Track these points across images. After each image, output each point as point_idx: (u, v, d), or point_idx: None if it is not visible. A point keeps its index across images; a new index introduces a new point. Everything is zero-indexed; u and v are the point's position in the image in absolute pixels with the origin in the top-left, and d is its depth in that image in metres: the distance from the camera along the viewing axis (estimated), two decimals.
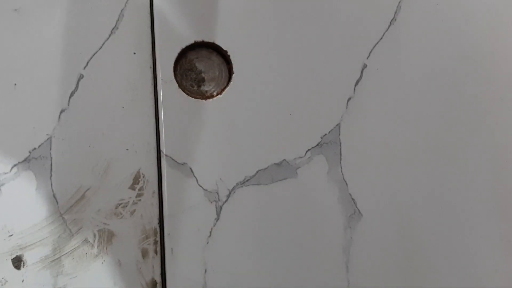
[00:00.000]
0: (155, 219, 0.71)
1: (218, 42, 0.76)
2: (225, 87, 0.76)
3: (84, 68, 0.71)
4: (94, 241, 0.68)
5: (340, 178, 0.76)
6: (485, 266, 0.80)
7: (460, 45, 0.83)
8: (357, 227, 0.76)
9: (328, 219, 0.75)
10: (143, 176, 0.71)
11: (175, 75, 0.74)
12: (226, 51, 0.76)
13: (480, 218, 0.80)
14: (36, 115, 0.69)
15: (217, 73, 0.77)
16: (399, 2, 0.82)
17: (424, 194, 0.79)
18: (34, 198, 0.67)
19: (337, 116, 0.78)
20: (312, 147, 0.76)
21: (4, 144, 0.67)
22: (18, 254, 0.66)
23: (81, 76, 0.71)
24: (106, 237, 0.69)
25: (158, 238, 0.70)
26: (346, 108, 0.78)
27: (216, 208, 0.72)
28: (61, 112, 0.69)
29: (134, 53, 0.73)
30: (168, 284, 0.69)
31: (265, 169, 0.74)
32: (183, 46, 0.75)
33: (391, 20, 0.81)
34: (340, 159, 0.77)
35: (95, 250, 0.68)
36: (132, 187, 0.70)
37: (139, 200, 0.70)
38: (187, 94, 0.74)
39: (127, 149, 0.71)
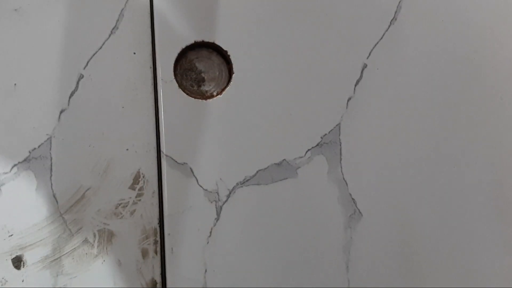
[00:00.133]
0: (155, 219, 0.71)
1: (218, 42, 0.76)
2: (225, 87, 0.76)
3: (84, 68, 0.71)
4: (94, 241, 0.68)
5: (340, 178, 0.76)
6: (485, 266, 0.80)
7: (460, 44, 0.83)
8: (357, 227, 0.76)
9: (328, 219, 0.75)
10: (143, 176, 0.71)
11: (175, 75, 0.74)
12: (226, 51, 0.76)
13: (480, 218, 0.80)
14: (36, 115, 0.69)
15: (217, 73, 0.77)
16: (399, 2, 0.82)
17: (424, 194, 0.79)
18: (34, 198, 0.67)
19: (337, 116, 0.78)
20: (312, 147, 0.76)
21: (4, 144, 0.67)
22: (18, 254, 0.66)
23: (81, 76, 0.71)
24: (106, 237, 0.69)
25: (158, 238, 0.70)
26: (346, 108, 0.78)
27: (216, 208, 0.72)
28: (61, 112, 0.69)
29: (134, 53, 0.73)
30: (168, 284, 0.69)
31: (265, 169, 0.74)
32: (183, 46, 0.75)
33: (391, 20, 0.81)
34: (340, 159, 0.77)
35: (95, 250, 0.68)
36: (132, 187, 0.70)
37: (139, 200, 0.70)
38: (187, 94, 0.74)
39: (127, 149, 0.71)
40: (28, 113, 0.68)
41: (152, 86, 0.73)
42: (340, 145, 0.77)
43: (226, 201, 0.73)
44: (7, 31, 0.69)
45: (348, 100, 0.78)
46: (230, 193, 0.73)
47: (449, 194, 0.80)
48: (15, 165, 0.67)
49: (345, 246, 0.75)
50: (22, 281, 0.66)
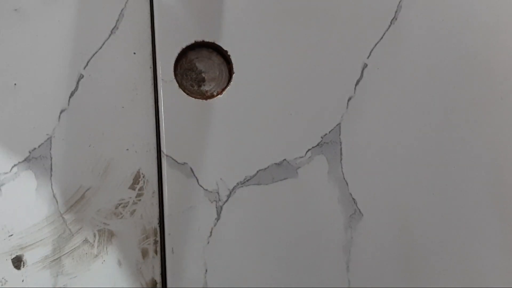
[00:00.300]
0: (155, 219, 0.71)
1: (219, 42, 0.76)
2: (225, 87, 0.76)
3: (84, 68, 0.71)
4: (94, 241, 0.68)
5: (341, 177, 0.76)
6: (486, 266, 0.79)
7: (460, 44, 0.83)
8: (358, 226, 0.76)
9: (328, 219, 0.75)
10: (143, 176, 0.71)
11: (175, 75, 0.74)
12: (226, 51, 0.76)
13: (481, 218, 0.80)
14: (36, 115, 0.69)
15: (218, 73, 0.77)
16: (399, 2, 0.82)
17: (425, 193, 0.79)
18: (34, 198, 0.67)
19: (338, 115, 0.78)
20: (313, 147, 0.76)
21: (4, 144, 0.67)
22: (18, 254, 0.66)
23: (81, 76, 0.71)
24: (106, 237, 0.68)
25: (158, 238, 0.70)
26: (347, 107, 0.78)
27: (216, 208, 0.72)
28: (61, 112, 0.69)
29: (134, 53, 0.73)
30: (168, 284, 0.69)
31: (265, 169, 0.74)
32: (184, 46, 0.75)
33: (392, 20, 0.81)
34: (341, 159, 0.77)
35: (95, 250, 0.68)
36: (132, 187, 0.70)
37: (139, 200, 0.70)
38: (188, 94, 0.74)
39: (127, 149, 0.71)
40: (28, 113, 0.68)
41: (152, 86, 0.73)
42: (341, 145, 0.77)
43: (226, 201, 0.73)
44: (7, 31, 0.70)
45: (348, 100, 0.78)
46: (230, 193, 0.73)
47: (449, 194, 0.79)
48: (15, 165, 0.67)
49: (346, 246, 0.75)
50: (22, 281, 0.66)
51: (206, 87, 0.76)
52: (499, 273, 0.80)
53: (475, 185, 0.80)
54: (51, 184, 0.68)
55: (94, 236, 0.68)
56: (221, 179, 0.73)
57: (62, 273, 0.67)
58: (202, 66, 0.77)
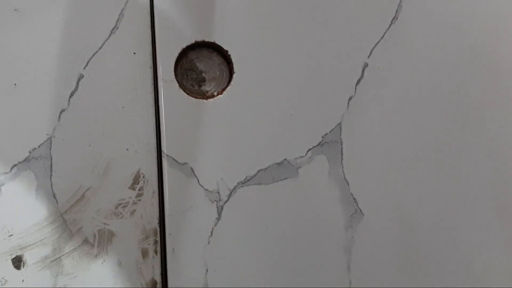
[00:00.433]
0: (155, 219, 0.71)
1: (219, 42, 0.76)
2: (225, 87, 0.76)
3: (84, 68, 0.71)
4: (94, 241, 0.68)
5: (341, 177, 0.76)
6: (487, 265, 0.79)
7: (461, 43, 0.83)
8: (359, 226, 0.76)
9: (329, 218, 0.75)
10: (143, 176, 0.71)
11: (175, 75, 0.74)
12: (226, 51, 0.76)
13: (482, 218, 0.80)
14: (36, 115, 0.69)
15: (218, 73, 0.77)
16: (400, 1, 0.82)
17: (426, 193, 0.78)
18: (34, 198, 0.67)
19: (338, 115, 0.77)
20: (313, 147, 0.76)
21: (4, 144, 0.67)
22: (18, 254, 0.66)
23: (81, 76, 0.71)
24: (106, 237, 0.68)
25: (158, 238, 0.70)
26: (347, 107, 0.78)
27: (217, 207, 0.72)
28: (61, 112, 0.69)
29: (134, 53, 0.73)
30: (169, 284, 0.69)
31: (266, 168, 0.74)
32: (184, 46, 0.75)
33: (392, 19, 0.81)
34: (341, 159, 0.76)
35: (95, 250, 0.68)
36: (132, 187, 0.70)
37: (139, 200, 0.70)
38: (188, 94, 0.74)
39: (127, 149, 0.71)
40: (28, 113, 0.68)
41: (152, 86, 0.73)
42: (341, 144, 0.77)
43: (227, 201, 0.73)
44: (7, 31, 0.70)
45: (349, 100, 0.78)
46: (231, 192, 0.73)
47: (450, 194, 0.79)
48: (15, 165, 0.67)
49: (346, 246, 0.75)
50: (22, 281, 0.66)
51: (206, 87, 0.76)
52: (500, 273, 0.79)
53: (476, 184, 0.80)
54: (51, 184, 0.68)
55: (94, 236, 0.68)
56: (221, 179, 0.73)
57: (62, 273, 0.67)
58: (202, 66, 0.77)
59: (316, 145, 0.76)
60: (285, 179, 0.75)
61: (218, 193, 0.72)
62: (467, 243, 0.79)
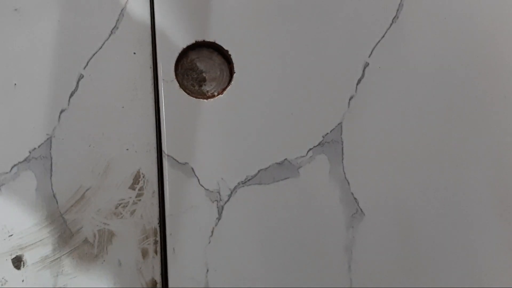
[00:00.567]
0: (155, 219, 0.70)
1: (219, 41, 0.76)
2: (226, 87, 0.75)
3: (84, 68, 0.71)
4: (94, 241, 0.68)
5: (342, 177, 0.76)
6: (488, 265, 0.79)
7: (462, 42, 0.83)
8: (359, 226, 0.75)
9: (330, 218, 0.75)
10: (143, 176, 0.71)
11: (176, 75, 0.74)
12: (227, 51, 0.76)
13: (483, 217, 0.79)
14: (36, 115, 0.69)
15: (218, 73, 0.77)
16: (401, 0, 0.81)
17: (427, 193, 0.78)
18: (34, 198, 0.67)
19: (339, 115, 0.77)
20: (314, 146, 0.76)
21: (4, 144, 0.68)
22: (18, 254, 0.66)
23: (81, 76, 0.71)
24: (106, 237, 0.69)
25: (158, 238, 0.70)
26: (348, 107, 0.77)
27: (217, 207, 0.72)
28: (61, 112, 0.70)
29: (134, 53, 0.73)
30: (170, 284, 0.69)
31: (266, 168, 0.74)
32: (184, 46, 0.75)
33: (393, 18, 0.81)
34: (342, 158, 0.76)
35: (95, 250, 0.68)
36: (132, 187, 0.70)
37: (139, 200, 0.70)
38: (188, 94, 0.74)
39: (127, 149, 0.71)
40: (28, 113, 0.69)
41: (152, 86, 0.73)
42: (342, 144, 0.77)
43: (227, 200, 0.73)
44: (7, 31, 0.70)
45: (350, 99, 0.78)
46: (231, 192, 0.73)
47: (451, 194, 0.79)
48: (15, 165, 0.67)
49: (347, 245, 0.75)
50: (22, 281, 0.66)
51: (207, 87, 0.76)
52: (500, 273, 0.79)
53: (477, 184, 0.80)
54: (51, 184, 0.68)
55: (94, 236, 0.68)
56: (222, 178, 0.73)
57: (62, 273, 0.67)
58: (203, 66, 0.77)
59: (317, 145, 0.76)
60: (285, 179, 0.75)
61: (219, 193, 0.72)
62: (468, 243, 0.79)
